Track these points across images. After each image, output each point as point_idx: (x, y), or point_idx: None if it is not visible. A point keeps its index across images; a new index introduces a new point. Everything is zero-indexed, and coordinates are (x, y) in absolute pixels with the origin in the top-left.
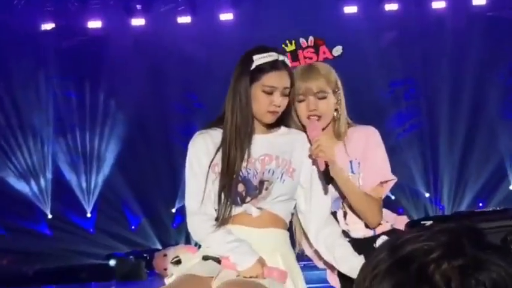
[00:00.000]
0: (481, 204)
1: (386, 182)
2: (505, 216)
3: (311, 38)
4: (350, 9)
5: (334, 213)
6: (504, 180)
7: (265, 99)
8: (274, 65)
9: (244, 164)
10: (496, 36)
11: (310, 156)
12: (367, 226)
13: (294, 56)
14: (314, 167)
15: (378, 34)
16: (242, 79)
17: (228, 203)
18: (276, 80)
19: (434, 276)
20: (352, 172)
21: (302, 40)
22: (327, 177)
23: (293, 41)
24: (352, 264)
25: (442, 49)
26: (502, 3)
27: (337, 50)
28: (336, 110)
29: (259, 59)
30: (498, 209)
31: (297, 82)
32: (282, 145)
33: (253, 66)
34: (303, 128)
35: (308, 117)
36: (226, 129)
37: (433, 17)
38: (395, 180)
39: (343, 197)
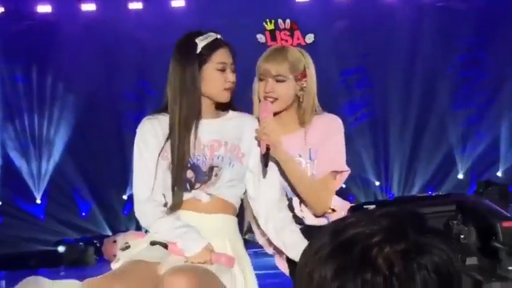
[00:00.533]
0: (430, 193)
1: (340, 173)
2: (447, 201)
3: (288, 21)
4: None
5: (290, 200)
6: (453, 170)
7: (220, 77)
8: (218, 43)
9: (192, 150)
10: (447, 27)
11: (256, 138)
12: (322, 214)
13: (273, 35)
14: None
15: (329, 23)
16: (188, 64)
17: (178, 189)
18: (225, 56)
19: (377, 260)
20: (310, 159)
21: (280, 21)
22: (266, 161)
23: (272, 21)
24: (301, 250)
25: (393, 39)
26: None
27: (310, 38)
28: (300, 97)
29: (202, 41)
30: (441, 194)
31: (261, 62)
32: (231, 130)
33: (199, 48)
34: None
35: (265, 98)
36: (174, 116)
37: (384, 6)
38: (349, 172)
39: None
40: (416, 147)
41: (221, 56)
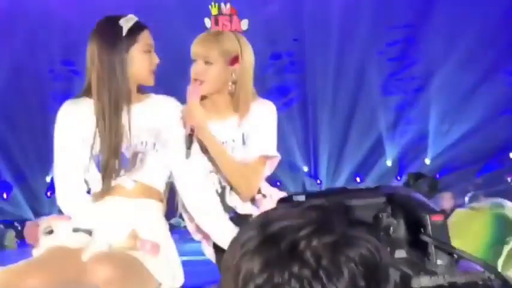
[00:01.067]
0: (358, 179)
1: (270, 158)
2: (378, 193)
3: (228, 6)
4: None
5: (223, 188)
6: (381, 156)
7: (147, 59)
8: (140, 25)
9: (122, 137)
10: (379, 13)
11: (181, 119)
12: (253, 203)
13: (216, 20)
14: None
15: (260, 5)
16: (116, 47)
17: (103, 177)
18: (149, 37)
19: (305, 253)
20: (243, 144)
21: (222, 6)
22: (190, 143)
23: (216, 5)
24: (228, 236)
25: (325, 23)
26: None
27: (244, 24)
28: (234, 83)
29: (126, 23)
30: (370, 187)
31: (193, 44)
32: (154, 113)
33: (125, 30)
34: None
35: (194, 80)
36: (103, 102)
37: None
38: (279, 158)
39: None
40: (345, 133)
41: (147, 37)
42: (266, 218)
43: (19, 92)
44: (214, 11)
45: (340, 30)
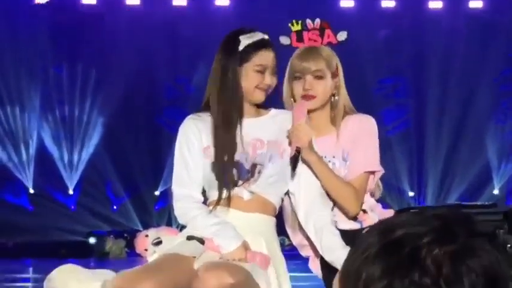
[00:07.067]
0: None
1: (373, 173)
2: (494, 211)
3: (317, 21)
4: (347, 3)
5: None
6: (488, 184)
7: (256, 78)
8: (262, 44)
9: (237, 148)
10: (492, 41)
11: (287, 137)
12: (355, 219)
13: (299, 36)
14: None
15: (372, 30)
16: (230, 61)
17: (221, 186)
18: (266, 58)
19: (425, 260)
20: (344, 160)
21: (308, 21)
22: (296, 163)
23: (299, 22)
24: (338, 254)
25: (435, 49)
26: (498, 8)
27: (342, 35)
28: (333, 95)
29: (246, 39)
30: (486, 203)
31: (296, 60)
32: (273, 127)
33: (242, 46)
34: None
35: (303, 96)
36: (215, 114)
37: (429, 16)
38: (383, 172)
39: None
40: (452, 160)
41: (262, 57)
42: (388, 225)
43: (133, 107)
44: (296, 27)
45: (452, 56)
